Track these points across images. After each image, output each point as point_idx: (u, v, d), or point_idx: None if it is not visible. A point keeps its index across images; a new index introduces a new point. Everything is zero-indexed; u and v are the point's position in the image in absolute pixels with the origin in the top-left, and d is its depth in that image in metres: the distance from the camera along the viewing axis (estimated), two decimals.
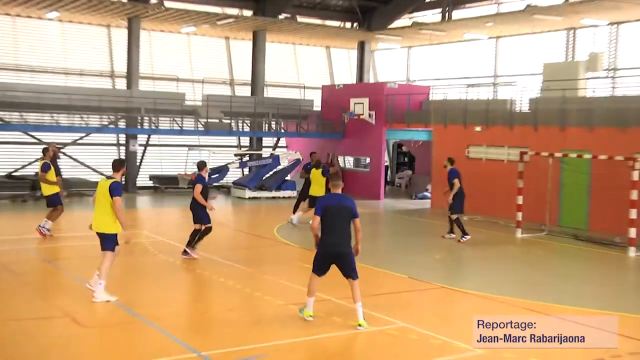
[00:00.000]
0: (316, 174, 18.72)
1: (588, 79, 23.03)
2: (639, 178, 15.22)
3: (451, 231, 17.89)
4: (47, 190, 16.30)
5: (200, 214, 14.31)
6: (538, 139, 21.57)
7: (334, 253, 9.49)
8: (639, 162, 16.60)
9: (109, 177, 10.58)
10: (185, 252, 14.30)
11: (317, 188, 18.35)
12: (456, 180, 17.51)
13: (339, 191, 9.67)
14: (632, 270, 15.33)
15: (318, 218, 9.42)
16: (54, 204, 16.37)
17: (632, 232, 16.28)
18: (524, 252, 16.73)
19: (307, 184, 19.45)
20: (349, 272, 9.55)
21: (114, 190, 10.28)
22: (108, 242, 10.53)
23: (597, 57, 22.63)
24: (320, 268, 9.61)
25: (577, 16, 25.20)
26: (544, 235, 19.11)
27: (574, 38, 28.17)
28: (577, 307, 11.34)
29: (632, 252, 16.46)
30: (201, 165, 14.34)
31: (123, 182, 12.85)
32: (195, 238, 14.36)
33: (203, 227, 14.36)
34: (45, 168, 16.07)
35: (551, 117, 21.44)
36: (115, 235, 10.53)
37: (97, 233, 10.62)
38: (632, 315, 11.06)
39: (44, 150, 16.90)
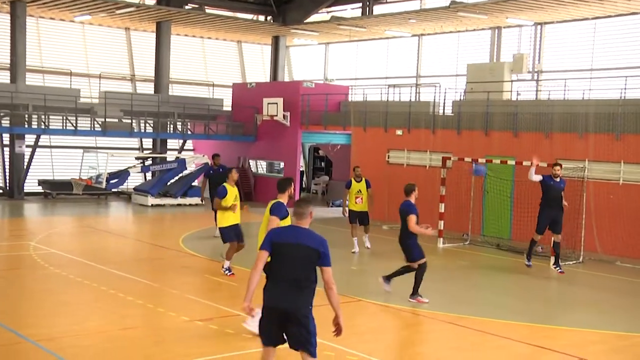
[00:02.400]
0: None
1: (513, 81, 24.01)
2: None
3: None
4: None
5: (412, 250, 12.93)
6: (461, 144, 22.35)
7: (279, 310, 6.96)
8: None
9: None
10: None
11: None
12: (412, 217, 13.00)
13: (304, 224, 7.15)
14: (552, 281, 16.10)
15: (265, 254, 7.02)
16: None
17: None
18: (445, 263, 17.29)
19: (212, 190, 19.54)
20: (301, 344, 7.04)
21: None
22: None
23: (522, 58, 23.63)
24: (266, 334, 7.14)
25: (502, 15, 26.21)
26: (466, 245, 19.80)
27: (499, 38, 29.28)
28: (497, 319, 11.86)
29: (553, 261, 17.29)
30: (408, 189, 13.55)
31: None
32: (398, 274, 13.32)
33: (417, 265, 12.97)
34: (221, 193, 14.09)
35: (475, 120, 22.24)
36: None
37: None
38: (541, 325, 11.69)
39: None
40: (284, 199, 10.13)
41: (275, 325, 6.99)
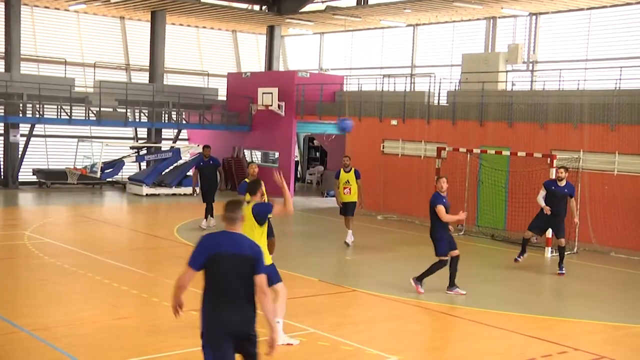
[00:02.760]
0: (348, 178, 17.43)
1: (508, 71, 24.00)
2: (555, 176, 15.95)
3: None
4: None
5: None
6: (456, 134, 22.34)
7: (230, 333, 6.19)
8: (556, 159, 17.47)
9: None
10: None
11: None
12: (440, 207, 12.67)
13: (237, 228, 6.39)
14: (547, 272, 16.13)
15: (192, 272, 6.31)
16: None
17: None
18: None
19: (209, 181, 19.46)
20: None
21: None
22: None
23: (517, 48, 23.61)
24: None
25: (497, 5, 26.17)
26: (461, 235, 19.82)
27: (494, 28, 29.24)
28: (491, 310, 11.88)
29: (548, 252, 17.33)
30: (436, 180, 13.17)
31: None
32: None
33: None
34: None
35: (470, 111, 22.23)
36: None
37: None
38: (536, 316, 11.72)
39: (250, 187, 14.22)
40: (257, 199, 9.55)
41: (225, 347, 6.14)
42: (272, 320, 6.32)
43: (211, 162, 19.62)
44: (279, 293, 9.47)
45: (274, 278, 9.30)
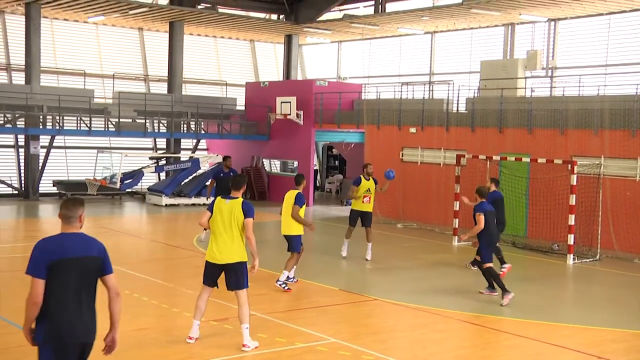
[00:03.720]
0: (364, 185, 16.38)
1: (527, 77, 23.89)
2: (576, 182, 15.86)
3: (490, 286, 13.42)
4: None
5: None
6: (475, 141, 22.26)
7: (74, 343, 5.84)
8: (577, 165, 17.35)
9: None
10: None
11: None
12: (478, 215, 12.78)
13: (76, 228, 5.96)
14: (569, 279, 15.99)
15: (41, 283, 5.68)
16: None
17: (571, 239, 16.96)
18: (460, 261, 17.21)
19: (227, 193, 18.84)
20: None
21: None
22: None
23: (535, 54, 23.50)
24: None
25: (515, 11, 26.07)
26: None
27: (512, 35, 29.13)
28: (512, 318, 11.79)
29: (570, 259, 17.19)
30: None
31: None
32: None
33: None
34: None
35: (489, 118, 22.14)
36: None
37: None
38: (558, 324, 11.60)
39: (298, 179, 13.84)
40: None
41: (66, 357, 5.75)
42: (118, 321, 6.06)
43: (231, 173, 19.18)
44: (241, 299, 9.49)
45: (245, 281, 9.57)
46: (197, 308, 9.61)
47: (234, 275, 9.35)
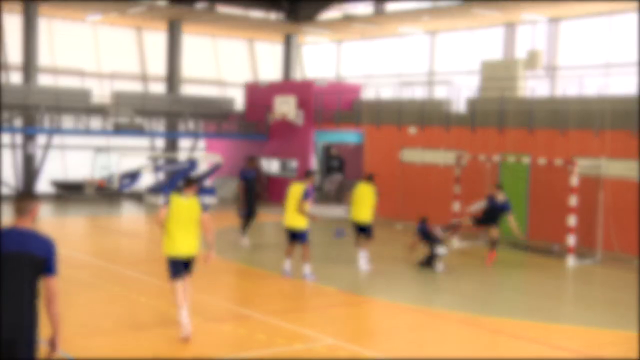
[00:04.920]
0: (363, 191, 15.53)
1: (527, 78, 23.92)
2: (577, 183, 15.89)
3: None
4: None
5: None
6: (476, 142, 22.28)
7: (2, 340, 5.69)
8: (577, 166, 17.39)
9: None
10: None
11: (363, 210, 15.42)
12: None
13: (26, 222, 5.92)
14: (569, 280, 16.03)
15: None
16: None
17: (571, 240, 16.99)
18: (459, 263, 17.24)
19: (249, 195, 18.16)
20: None
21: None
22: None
23: (536, 54, 23.54)
24: None
25: (516, 11, 26.13)
26: (481, 244, 19.74)
27: (513, 35, 29.17)
28: (512, 319, 11.83)
29: (570, 260, 17.22)
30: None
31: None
32: None
33: None
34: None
35: (489, 118, 22.17)
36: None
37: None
38: (571, 326, 11.63)
39: (308, 174, 14.43)
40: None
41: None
42: (58, 324, 5.98)
43: (254, 173, 18.62)
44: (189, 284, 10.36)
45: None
46: (180, 301, 9.91)
47: (191, 266, 10.18)
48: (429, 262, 15.85)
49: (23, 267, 5.70)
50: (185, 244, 9.94)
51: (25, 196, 5.93)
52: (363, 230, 15.45)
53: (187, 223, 9.92)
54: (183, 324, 9.82)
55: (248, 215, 18.20)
